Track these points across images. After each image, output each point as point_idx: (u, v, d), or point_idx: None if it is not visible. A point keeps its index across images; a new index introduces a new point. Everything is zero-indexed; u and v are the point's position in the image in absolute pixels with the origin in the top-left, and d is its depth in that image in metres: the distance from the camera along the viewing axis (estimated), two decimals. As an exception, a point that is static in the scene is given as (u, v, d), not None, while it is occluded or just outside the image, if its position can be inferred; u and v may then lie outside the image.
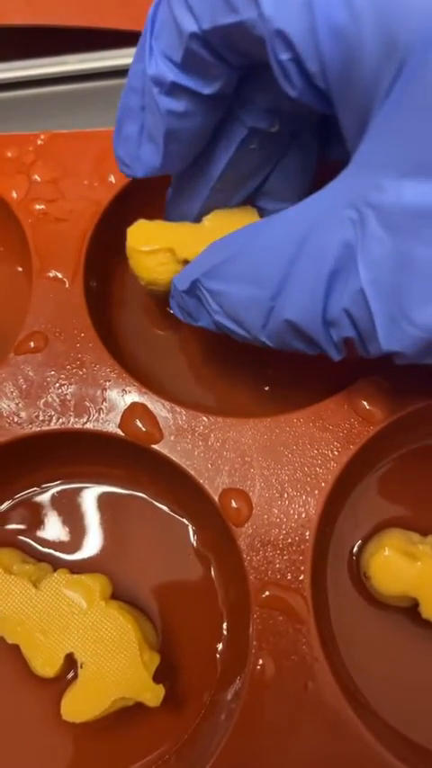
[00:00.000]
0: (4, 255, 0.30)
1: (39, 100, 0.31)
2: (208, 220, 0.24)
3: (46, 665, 0.21)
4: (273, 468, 0.22)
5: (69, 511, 0.25)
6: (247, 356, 0.27)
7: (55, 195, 0.27)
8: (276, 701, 0.20)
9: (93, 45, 0.31)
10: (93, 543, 0.25)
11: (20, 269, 0.29)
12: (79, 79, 0.31)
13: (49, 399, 0.24)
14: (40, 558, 0.24)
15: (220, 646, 0.23)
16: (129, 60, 0.31)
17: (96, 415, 0.23)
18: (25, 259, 0.28)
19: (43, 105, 0.31)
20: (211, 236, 0.23)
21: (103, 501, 0.25)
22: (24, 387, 0.24)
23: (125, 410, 0.23)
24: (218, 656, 0.23)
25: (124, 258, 0.28)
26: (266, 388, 0.27)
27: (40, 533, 0.25)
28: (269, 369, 0.27)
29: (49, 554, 0.25)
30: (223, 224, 0.24)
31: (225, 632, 0.23)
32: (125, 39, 0.31)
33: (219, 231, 0.24)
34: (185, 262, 0.24)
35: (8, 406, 0.24)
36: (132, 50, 0.30)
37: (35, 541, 0.25)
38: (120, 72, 0.31)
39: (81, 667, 0.21)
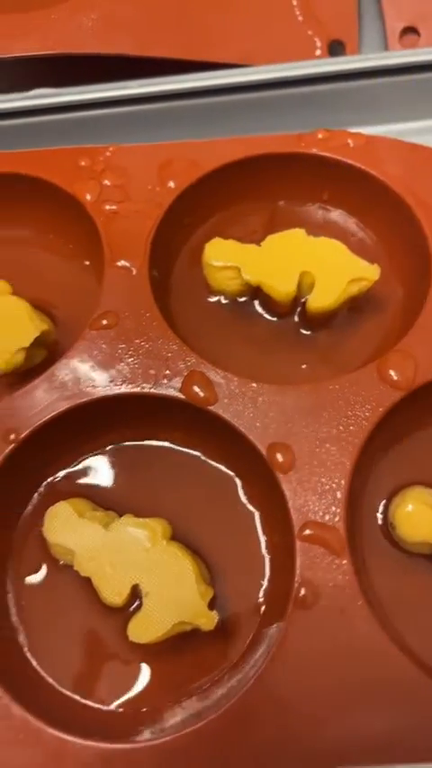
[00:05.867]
0: (73, 252, 0.33)
1: (106, 119, 0.35)
2: (265, 244, 0.29)
3: (114, 594, 0.24)
4: (312, 426, 0.26)
5: (134, 467, 0.29)
6: (288, 340, 0.31)
7: (123, 198, 0.31)
8: (316, 624, 0.23)
9: (151, 71, 0.35)
10: (154, 495, 0.28)
11: (87, 263, 0.33)
12: (139, 101, 0.36)
13: (120, 368, 0.27)
14: (109, 507, 0.28)
15: (264, 583, 0.26)
16: (180, 86, 0.35)
17: (161, 380, 0.27)
18: (92, 254, 0.32)
19: (110, 123, 0.35)
20: (271, 257, 0.28)
21: (164, 458, 0.29)
22: (99, 357, 0.28)
23: (185, 377, 0.27)
24: (262, 592, 0.26)
25: (182, 252, 0.32)
26: (304, 366, 0.30)
27: (108, 486, 0.28)
28: (306, 351, 0.31)
29: (116, 504, 0.28)
30: (277, 245, 0.29)
31: (268, 572, 0.27)
32: (178, 66, 0.35)
33: (276, 253, 0.28)
34: (248, 282, 0.28)
35: (85, 373, 0.27)
36: (183, 77, 0.35)
37: (105, 493, 0.28)
38: (173, 96, 0.36)
39: (145, 596, 0.24)
